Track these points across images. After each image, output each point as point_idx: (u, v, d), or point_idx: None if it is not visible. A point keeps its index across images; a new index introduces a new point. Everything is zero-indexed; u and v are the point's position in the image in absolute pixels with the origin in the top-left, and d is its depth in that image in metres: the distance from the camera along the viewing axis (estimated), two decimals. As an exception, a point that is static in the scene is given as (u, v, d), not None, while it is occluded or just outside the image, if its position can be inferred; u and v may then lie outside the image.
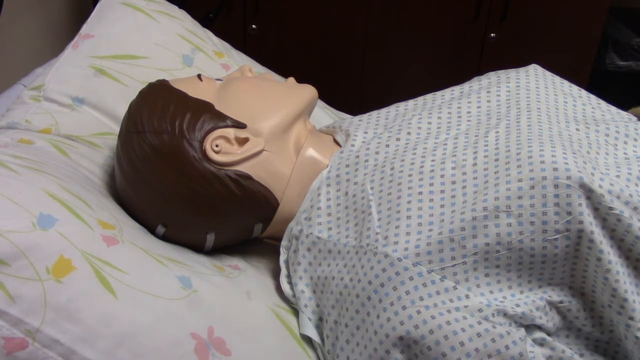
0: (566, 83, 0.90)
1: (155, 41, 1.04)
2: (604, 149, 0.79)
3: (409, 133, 0.84)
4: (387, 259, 0.71)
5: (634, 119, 0.86)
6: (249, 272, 0.84)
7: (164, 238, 0.83)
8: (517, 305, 0.71)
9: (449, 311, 0.69)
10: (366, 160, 0.82)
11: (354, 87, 2.10)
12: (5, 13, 1.47)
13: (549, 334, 0.76)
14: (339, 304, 0.75)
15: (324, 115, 1.18)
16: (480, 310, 0.70)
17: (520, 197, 0.71)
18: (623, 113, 0.87)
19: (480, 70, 0.97)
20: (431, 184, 0.75)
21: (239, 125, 0.82)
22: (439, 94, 0.92)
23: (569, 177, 0.71)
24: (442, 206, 0.73)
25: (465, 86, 0.91)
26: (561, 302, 0.75)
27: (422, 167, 0.77)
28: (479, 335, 0.68)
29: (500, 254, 0.71)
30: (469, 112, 0.85)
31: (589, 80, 2.03)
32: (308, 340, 0.79)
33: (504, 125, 0.80)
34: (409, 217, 0.73)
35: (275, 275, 0.86)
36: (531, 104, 0.82)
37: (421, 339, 0.68)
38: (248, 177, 0.80)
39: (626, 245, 0.72)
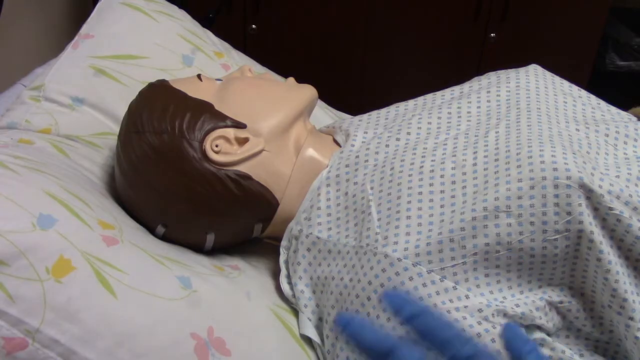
0: (566, 83, 0.90)
1: (155, 41, 1.04)
2: (604, 149, 0.79)
3: (408, 133, 0.84)
4: (387, 259, 0.71)
5: (634, 119, 0.86)
6: (249, 272, 0.84)
7: (163, 238, 0.83)
8: (517, 306, 0.71)
9: (448, 311, 0.69)
10: (366, 161, 0.82)
11: (354, 87, 2.10)
12: (5, 13, 1.47)
13: (548, 335, 0.76)
14: (338, 304, 0.75)
15: (324, 115, 1.18)
16: (480, 310, 0.70)
17: (520, 197, 0.71)
18: (623, 113, 0.87)
19: (480, 70, 0.96)
20: (431, 184, 0.75)
21: (239, 125, 0.82)
22: (439, 94, 0.92)
23: (568, 177, 0.71)
24: (442, 206, 0.73)
25: (465, 86, 0.91)
26: (561, 302, 0.75)
27: (422, 167, 0.77)
28: (478, 335, 0.68)
29: (500, 254, 0.71)
30: (469, 112, 0.85)
31: (589, 80, 2.03)
32: (308, 340, 0.79)
33: (503, 125, 0.80)
34: (408, 217, 0.73)
35: (275, 275, 0.86)
36: (531, 104, 0.82)
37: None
38: (248, 177, 0.80)
39: (626, 246, 0.72)
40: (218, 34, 1.20)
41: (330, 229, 0.79)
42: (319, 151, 0.86)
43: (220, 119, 0.81)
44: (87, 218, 0.71)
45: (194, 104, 0.82)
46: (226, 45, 1.18)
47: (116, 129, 0.96)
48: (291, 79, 0.92)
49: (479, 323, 0.69)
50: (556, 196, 0.71)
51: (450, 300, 0.69)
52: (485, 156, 0.76)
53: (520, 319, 0.71)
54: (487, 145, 0.78)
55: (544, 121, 0.79)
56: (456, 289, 0.70)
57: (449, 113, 0.86)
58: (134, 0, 1.07)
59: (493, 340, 0.68)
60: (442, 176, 0.76)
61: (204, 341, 0.69)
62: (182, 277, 0.73)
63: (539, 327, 0.74)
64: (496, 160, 0.75)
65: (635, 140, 0.81)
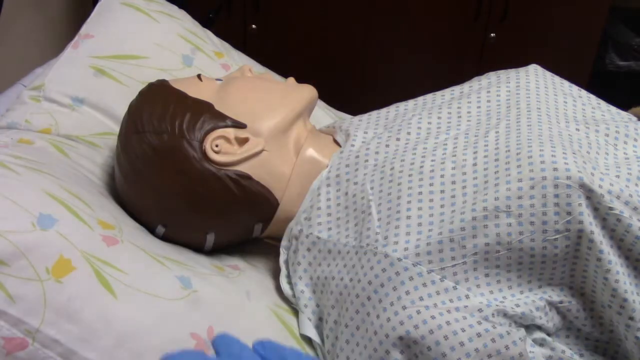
0: (566, 83, 0.90)
1: (155, 41, 1.04)
2: (604, 149, 0.79)
3: (408, 133, 0.84)
4: (387, 259, 0.71)
5: (634, 119, 0.86)
6: (249, 272, 0.84)
7: (163, 238, 0.83)
8: (517, 306, 0.71)
9: (449, 311, 0.69)
10: (366, 160, 0.82)
11: (354, 87, 2.10)
12: (5, 13, 1.47)
13: (548, 334, 0.76)
14: (338, 304, 0.75)
15: (324, 115, 1.18)
16: (480, 310, 0.70)
17: (520, 197, 0.71)
18: (623, 113, 0.87)
19: (480, 71, 0.97)
20: (431, 184, 0.75)
21: (239, 125, 0.82)
22: (439, 94, 0.92)
23: (568, 177, 0.71)
24: (442, 206, 0.73)
25: (465, 86, 0.91)
26: (561, 302, 0.75)
27: (422, 167, 0.77)
28: (479, 335, 0.68)
29: (500, 254, 0.71)
30: (469, 112, 0.85)
31: (589, 80, 2.03)
32: (308, 340, 0.79)
33: (503, 125, 0.80)
34: (408, 217, 0.73)
35: (275, 275, 0.86)
36: (531, 104, 0.82)
37: (421, 339, 0.68)
38: (248, 177, 0.80)
39: (626, 245, 0.72)
40: (218, 34, 1.20)
41: (330, 229, 0.79)
42: (319, 151, 0.86)
43: (220, 119, 0.81)
44: (87, 218, 0.71)
45: (194, 104, 0.82)
46: (226, 45, 1.18)
47: (116, 129, 0.96)
48: (291, 79, 0.92)
49: (479, 323, 0.69)
50: (556, 196, 0.71)
51: (450, 300, 0.69)
52: (485, 156, 0.76)
53: (520, 319, 0.71)
54: (487, 145, 0.78)
55: (544, 121, 0.79)
56: (456, 288, 0.70)
57: (449, 113, 0.86)
58: (134, 0, 1.07)
59: (493, 340, 0.68)
60: (442, 176, 0.76)
61: (203, 341, 0.69)
62: (182, 277, 0.73)
63: (539, 327, 0.74)
64: (496, 160, 0.75)
65: (635, 140, 0.81)
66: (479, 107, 0.85)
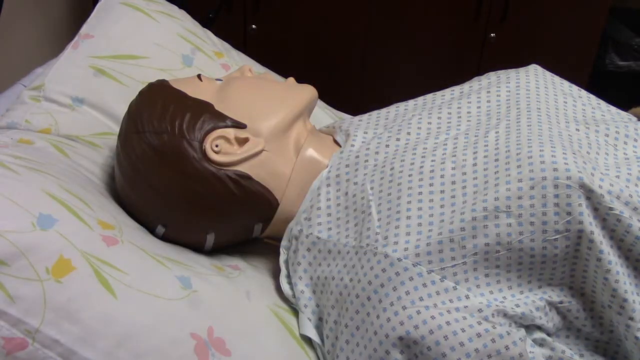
0: (566, 83, 0.90)
1: (155, 41, 1.04)
2: (604, 149, 0.79)
3: (408, 133, 0.84)
4: (387, 259, 0.71)
5: (634, 119, 0.86)
6: (249, 272, 0.84)
7: (163, 238, 0.83)
8: (517, 306, 0.71)
9: (448, 311, 0.69)
10: (366, 161, 0.82)
11: (354, 87, 2.10)
12: (5, 13, 1.47)
13: (548, 335, 0.76)
14: (338, 304, 0.75)
15: (324, 115, 1.18)
16: (480, 310, 0.70)
17: (520, 198, 0.71)
18: (623, 113, 0.87)
19: (480, 71, 0.97)
20: (431, 184, 0.75)
21: (239, 125, 0.82)
22: (439, 94, 0.92)
23: (568, 178, 0.71)
24: (442, 206, 0.73)
25: (465, 86, 0.91)
26: (561, 302, 0.75)
27: (422, 167, 0.77)
28: (478, 335, 0.68)
29: (500, 254, 0.71)
30: (469, 112, 0.85)
31: (589, 80, 2.03)
32: (308, 340, 0.79)
33: (503, 125, 0.80)
34: (408, 217, 0.73)
35: (275, 275, 0.86)
36: (531, 104, 0.82)
37: (421, 340, 0.68)
38: (248, 177, 0.80)
39: (626, 246, 0.72)
40: (218, 34, 1.21)
41: (330, 229, 0.79)
42: (319, 151, 0.86)
43: (220, 119, 0.81)
44: (87, 218, 0.71)
45: (194, 104, 0.82)
46: (226, 45, 1.18)
47: (116, 129, 0.96)
48: (291, 79, 0.92)
49: (479, 323, 0.69)
50: (556, 196, 0.71)
51: (450, 301, 0.69)
52: (485, 156, 0.76)
53: (520, 319, 0.72)
54: (487, 145, 0.78)
55: (544, 121, 0.79)
56: (456, 289, 0.70)
57: (449, 113, 0.86)
58: (134, 0, 1.07)
59: (493, 341, 0.68)
60: (442, 176, 0.76)
61: (203, 341, 0.69)
62: (182, 277, 0.73)
63: (539, 327, 0.74)
64: (496, 160, 0.75)
65: (635, 140, 0.81)
66: (479, 107, 0.85)
